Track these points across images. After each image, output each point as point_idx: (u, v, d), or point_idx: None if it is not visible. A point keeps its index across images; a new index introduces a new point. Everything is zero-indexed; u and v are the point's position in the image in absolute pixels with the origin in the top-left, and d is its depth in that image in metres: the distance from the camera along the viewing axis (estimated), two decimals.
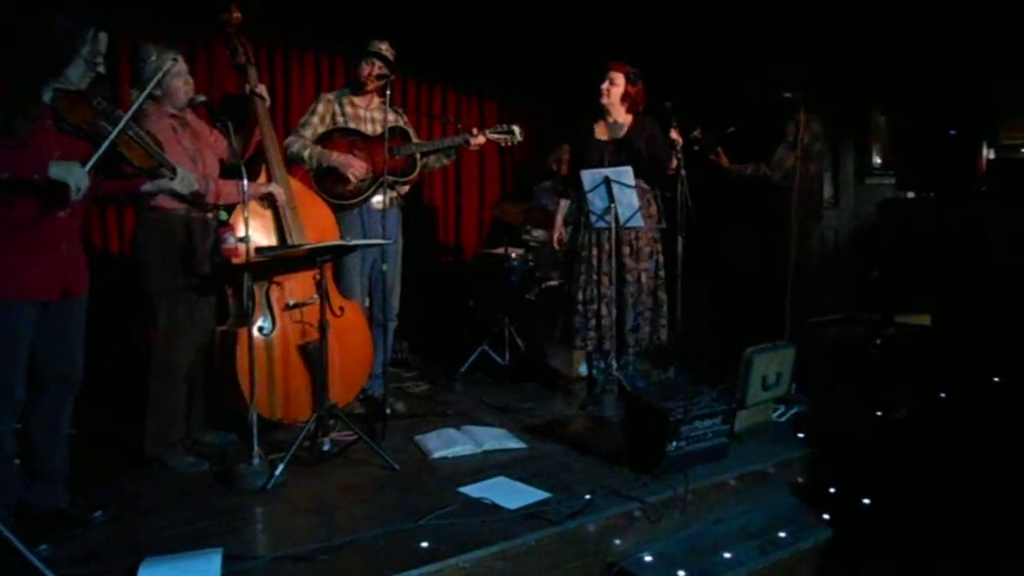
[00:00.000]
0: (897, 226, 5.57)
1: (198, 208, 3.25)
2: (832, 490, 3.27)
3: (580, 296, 4.19)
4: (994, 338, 4.54)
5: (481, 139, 4.07)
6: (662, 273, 4.18)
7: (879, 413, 3.83)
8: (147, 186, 2.91)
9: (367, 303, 4.10)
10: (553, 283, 5.08)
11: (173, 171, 2.74)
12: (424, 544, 2.51)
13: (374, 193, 3.94)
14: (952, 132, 5.17)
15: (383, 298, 3.98)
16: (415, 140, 4.09)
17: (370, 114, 4.04)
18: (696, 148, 4.56)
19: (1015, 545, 2.86)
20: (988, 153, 5.43)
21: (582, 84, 4.33)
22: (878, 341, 5.23)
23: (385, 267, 3.80)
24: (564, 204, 4.43)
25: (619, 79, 4.12)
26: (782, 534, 3.05)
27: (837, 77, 5.42)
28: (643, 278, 4.13)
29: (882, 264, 5.65)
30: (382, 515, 2.77)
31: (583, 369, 4.56)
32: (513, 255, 5.16)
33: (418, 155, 4.04)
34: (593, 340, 4.12)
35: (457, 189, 6.38)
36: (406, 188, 4.14)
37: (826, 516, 3.12)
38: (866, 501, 3.20)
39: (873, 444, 3.55)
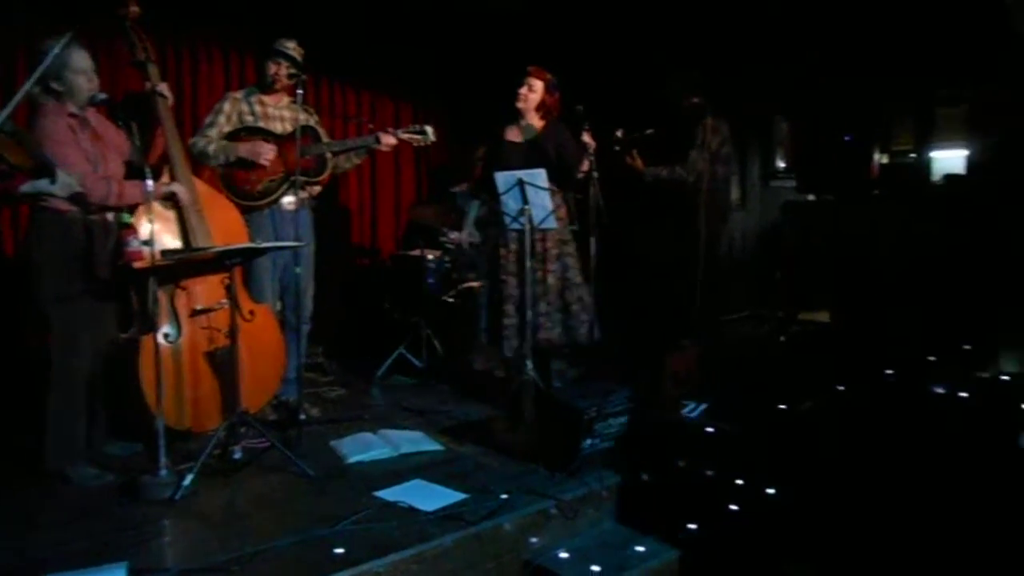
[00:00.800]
0: (798, 227, 5.81)
1: (84, 209, 3.11)
2: (739, 482, 3.38)
3: (494, 297, 4.23)
4: (887, 332, 4.78)
5: (392, 139, 4.05)
6: (570, 275, 4.22)
7: (783, 406, 3.98)
8: (25, 187, 2.77)
9: (279, 307, 4.03)
10: (471, 284, 5.09)
11: (53, 173, 2.62)
12: (339, 550, 2.49)
13: (284, 193, 3.87)
14: (847, 138, 5.44)
15: (296, 301, 3.91)
16: (325, 140, 4.04)
17: (279, 113, 3.97)
18: (617, 148, 4.66)
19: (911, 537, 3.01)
20: (881, 158, 5.72)
21: (499, 86, 4.36)
22: (782, 338, 5.43)
23: (298, 270, 3.74)
24: (475, 205, 4.46)
25: (538, 86, 4.18)
26: (692, 526, 3.14)
27: (742, 83, 5.61)
28: (549, 280, 4.15)
29: (785, 263, 5.87)
30: (295, 523, 2.72)
31: (500, 370, 4.60)
32: (430, 257, 5.15)
33: (328, 155, 3.99)
34: (508, 341, 4.16)
35: (373, 191, 6.33)
36: (317, 188, 4.08)
37: (735, 507, 3.22)
38: (771, 491, 3.32)
39: (778, 436, 3.69)
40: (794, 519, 3.05)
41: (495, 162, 4.13)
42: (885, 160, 5.78)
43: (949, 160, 5.53)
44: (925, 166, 5.62)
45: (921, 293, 4.80)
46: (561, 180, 4.15)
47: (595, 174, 4.04)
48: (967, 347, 4.22)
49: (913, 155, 5.71)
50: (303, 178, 3.79)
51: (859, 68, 5.29)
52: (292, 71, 3.81)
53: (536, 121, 4.21)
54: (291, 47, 3.88)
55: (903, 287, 4.88)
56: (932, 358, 4.18)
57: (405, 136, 4.09)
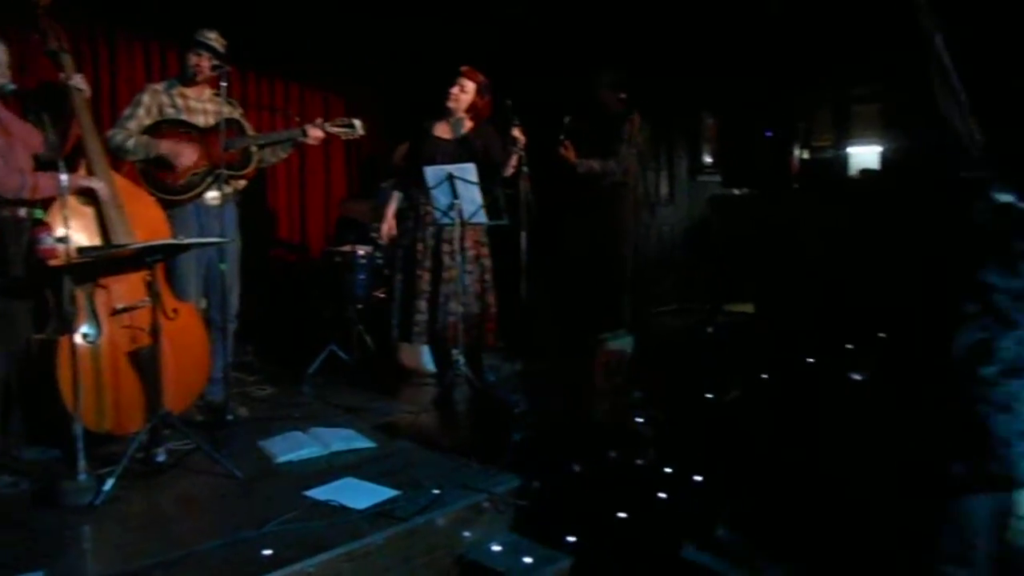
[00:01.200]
0: (723, 220, 5.96)
1: (3, 205, 2.98)
2: (668, 470, 3.45)
3: (407, 291, 4.21)
4: (809, 322, 4.94)
5: (319, 132, 3.99)
6: (487, 278, 4.22)
7: (710, 395, 4.07)
8: None
9: (203, 305, 3.93)
10: None
11: None
12: (267, 552, 2.44)
13: (208, 188, 3.77)
14: (768, 133, 5.59)
15: (221, 299, 3.82)
16: (251, 132, 3.96)
17: (202, 106, 3.87)
18: (563, 137, 4.71)
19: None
20: (801, 153, 5.90)
21: (430, 82, 4.34)
22: (709, 329, 5.56)
23: (223, 267, 3.67)
24: (396, 197, 4.42)
25: (470, 87, 4.17)
26: (623, 515, 3.19)
27: (670, 80, 5.72)
28: (467, 280, 4.13)
29: (711, 256, 6.01)
30: (222, 525, 2.66)
31: (432, 365, 4.58)
32: (360, 252, 5.10)
33: (253, 148, 3.91)
34: (419, 337, 4.14)
35: (302, 186, 6.23)
36: (243, 183, 4.00)
37: (663, 495, 3.29)
38: (698, 478, 3.40)
39: (705, 424, 3.78)
40: (718, 505, 3.13)
41: (420, 156, 4.12)
42: (806, 155, 5.96)
43: (866, 155, 5.74)
44: (843, 161, 5.82)
45: (840, 283, 4.96)
46: (487, 179, 4.15)
47: (525, 169, 4.06)
48: (881, 335, 4.39)
49: (832, 150, 5.90)
50: (227, 172, 3.71)
51: (779, 65, 5.44)
52: (215, 63, 3.73)
53: (466, 120, 4.21)
54: (213, 38, 3.79)
55: (823, 278, 5.04)
56: (850, 346, 4.33)
57: (333, 130, 4.04)
